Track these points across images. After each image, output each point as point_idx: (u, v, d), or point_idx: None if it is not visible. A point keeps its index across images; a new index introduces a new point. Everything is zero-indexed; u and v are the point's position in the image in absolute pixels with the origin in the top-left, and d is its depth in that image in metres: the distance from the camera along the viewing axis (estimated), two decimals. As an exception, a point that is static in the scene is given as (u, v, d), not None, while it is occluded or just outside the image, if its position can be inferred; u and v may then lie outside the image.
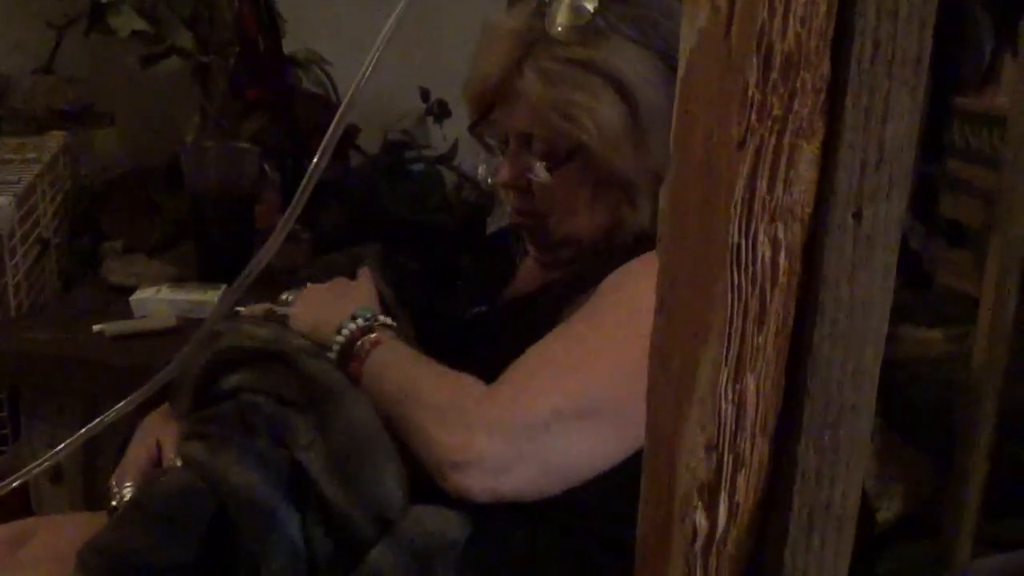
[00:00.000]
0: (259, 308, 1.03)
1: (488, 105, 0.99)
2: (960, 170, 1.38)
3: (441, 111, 1.98)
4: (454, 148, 1.95)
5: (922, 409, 1.02)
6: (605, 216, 0.97)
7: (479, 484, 0.81)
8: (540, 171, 0.96)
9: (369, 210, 1.82)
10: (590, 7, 0.91)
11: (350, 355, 0.90)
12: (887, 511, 1.00)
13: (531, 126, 0.95)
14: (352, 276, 1.04)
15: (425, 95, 1.97)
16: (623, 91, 0.92)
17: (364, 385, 0.89)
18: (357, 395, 0.88)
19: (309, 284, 1.03)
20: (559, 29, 0.92)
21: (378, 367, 0.89)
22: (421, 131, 2.04)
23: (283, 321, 0.99)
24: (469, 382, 0.86)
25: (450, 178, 1.97)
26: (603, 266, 0.93)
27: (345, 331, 0.91)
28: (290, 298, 1.02)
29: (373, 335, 0.90)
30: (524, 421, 0.81)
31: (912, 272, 1.13)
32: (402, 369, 0.88)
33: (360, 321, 0.91)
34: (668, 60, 0.92)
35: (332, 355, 0.91)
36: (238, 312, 1.02)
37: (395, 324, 0.94)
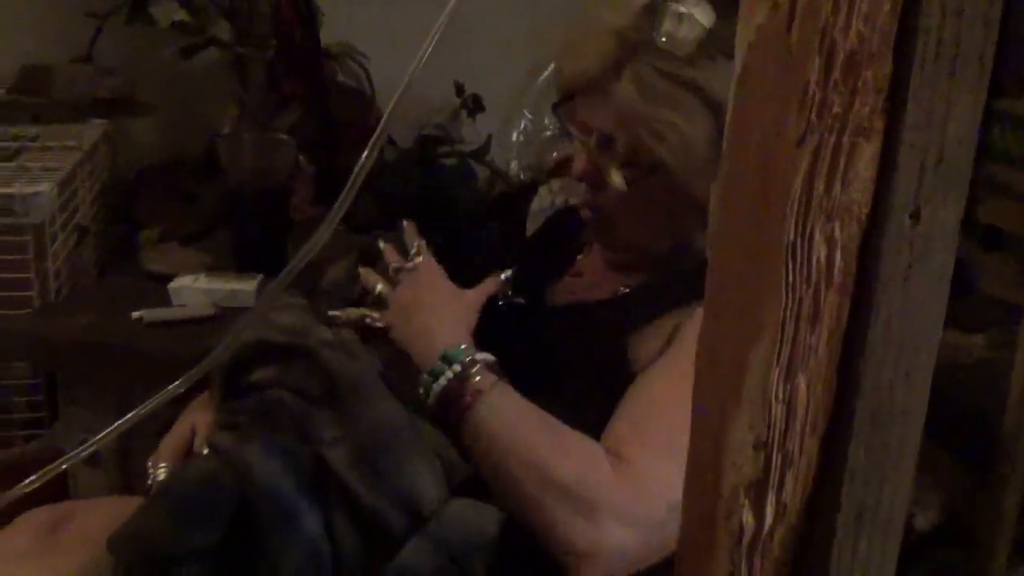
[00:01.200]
0: (354, 313, 0.96)
1: (585, 95, 0.95)
2: (1000, 174, 1.36)
3: (475, 106, 1.98)
4: (487, 143, 1.95)
5: (960, 415, 1.00)
6: (671, 235, 0.95)
7: (605, 572, 0.79)
8: (617, 178, 0.93)
9: (401, 203, 1.83)
10: (705, 22, 0.86)
11: (448, 406, 0.86)
12: (923, 518, 0.99)
13: (616, 130, 0.92)
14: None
15: (459, 90, 1.97)
16: (720, 118, 0.87)
17: (465, 436, 0.85)
18: (383, 391, 0.87)
19: (398, 288, 0.95)
20: (667, 39, 0.87)
21: (484, 423, 0.84)
22: (454, 126, 2.04)
23: (379, 334, 0.93)
24: (593, 455, 0.82)
25: (483, 173, 1.98)
26: (667, 291, 0.91)
27: (442, 380, 0.86)
28: (381, 289, 0.95)
29: (471, 384, 0.85)
30: (653, 512, 0.79)
31: (953, 278, 1.12)
32: (515, 433, 0.83)
33: (456, 368, 0.86)
34: None
35: (429, 401, 0.86)
36: (333, 316, 0.95)
37: (491, 359, 0.88)
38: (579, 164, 0.97)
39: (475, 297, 0.96)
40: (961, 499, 1.03)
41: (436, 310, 0.92)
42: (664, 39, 0.87)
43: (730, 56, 0.91)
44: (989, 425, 0.99)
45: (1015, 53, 1.27)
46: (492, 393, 0.85)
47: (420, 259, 0.97)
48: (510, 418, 0.84)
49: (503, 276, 0.99)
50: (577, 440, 0.83)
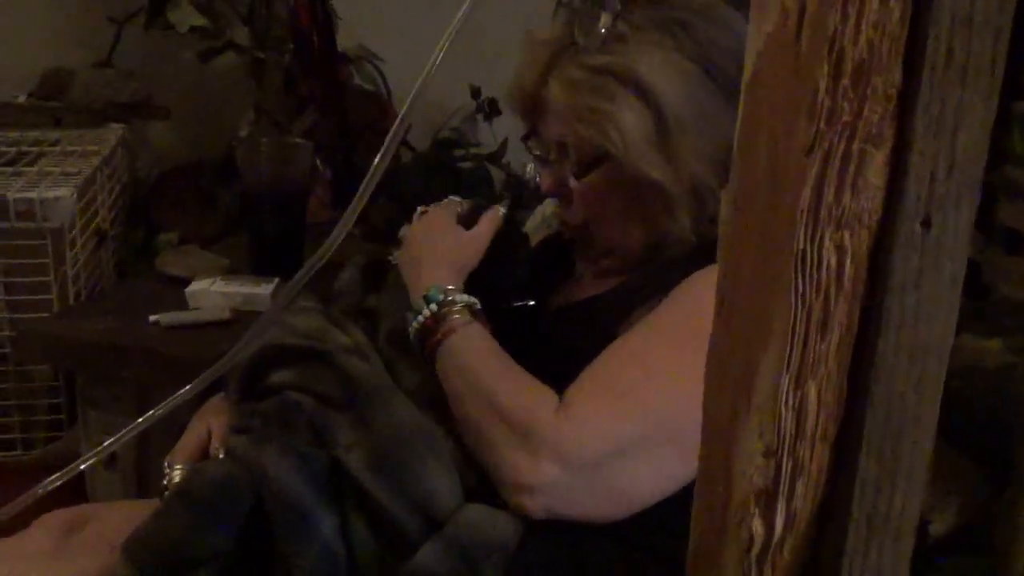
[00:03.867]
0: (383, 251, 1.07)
1: (536, 117, 0.99)
2: (1019, 177, 1.34)
3: (491, 109, 1.98)
4: (503, 146, 1.96)
5: (978, 420, 1.00)
6: (642, 225, 0.96)
7: (540, 508, 0.81)
8: (572, 180, 0.96)
9: (418, 206, 1.83)
10: (609, 12, 0.90)
11: (424, 341, 0.91)
12: (940, 524, 0.98)
13: (562, 134, 0.95)
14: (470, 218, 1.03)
15: (475, 93, 1.98)
16: (645, 96, 0.89)
17: (437, 369, 0.89)
18: (400, 395, 0.88)
19: (411, 230, 1.03)
20: (583, 36, 0.91)
21: (451, 360, 0.89)
22: (471, 129, 2.05)
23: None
24: (541, 395, 0.84)
25: (499, 176, 1.98)
26: (655, 278, 0.92)
27: (420, 318, 0.91)
28: (402, 231, 1.04)
29: (446, 324, 0.90)
30: (591, 452, 0.81)
31: (971, 282, 1.11)
32: (473, 368, 0.87)
33: (433, 307, 0.91)
34: (702, 64, 0.90)
35: (411, 337, 0.93)
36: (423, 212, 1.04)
37: (473, 302, 0.93)
38: (543, 183, 1.00)
39: (476, 236, 1.00)
40: (979, 505, 1.02)
41: (431, 252, 0.98)
42: (580, 37, 0.92)
43: (647, 38, 0.93)
44: (1008, 430, 0.98)
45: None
46: (462, 331, 0.90)
47: (436, 206, 1.03)
48: (473, 352, 0.88)
49: (501, 209, 1.03)
50: (529, 380, 0.86)
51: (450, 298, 0.92)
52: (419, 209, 1.05)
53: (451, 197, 1.06)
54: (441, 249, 0.97)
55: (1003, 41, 0.40)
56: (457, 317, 0.90)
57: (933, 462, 1.02)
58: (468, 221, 1.02)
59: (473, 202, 1.06)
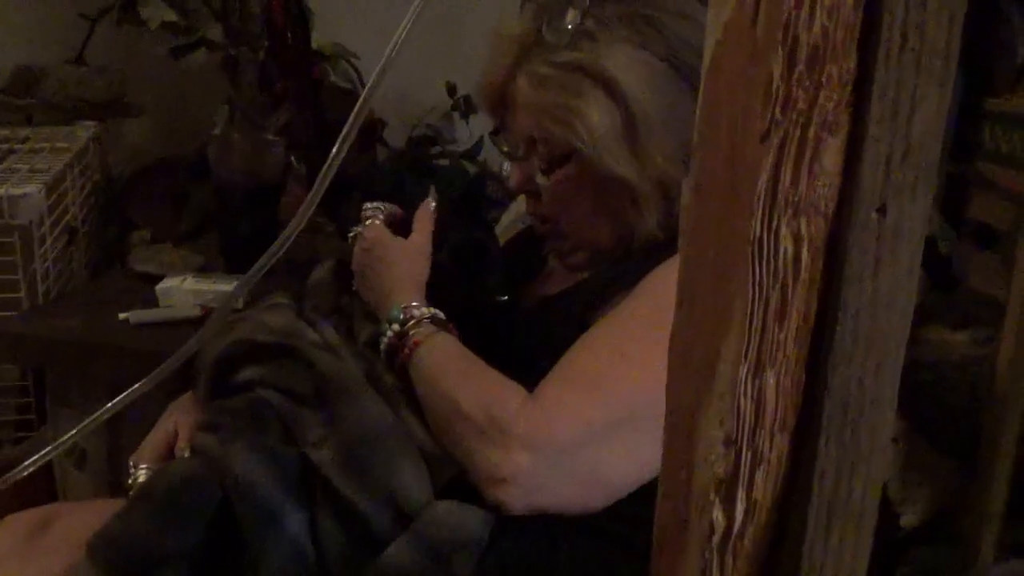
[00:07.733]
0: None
1: (504, 112, 1.00)
2: (990, 172, 1.36)
3: (467, 106, 1.98)
4: (479, 144, 1.96)
5: (947, 412, 1.00)
6: (611, 220, 0.96)
7: (518, 500, 0.81)
8: (540, 177, 0.96)
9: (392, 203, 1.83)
10: (577, 9, 0.91)
11: (393, 359, 0.92)
12: (910, 515, 0.99)
13: (531, 130, 0.95)
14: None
15: (451, 90, 1.97)
16: (614, 94, 0.90)
17: (412, 382, 0.90)
18: (370, 392, 0.88)
19: (354, 254, 1.02)
20: (551, 32, 0.92)
21: (418, 372, 0.90)
22: (447, 126, 2.04)
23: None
24: (506, 390, 0.85)
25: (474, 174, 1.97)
26: (625, 270, 0.92)
27: (384, 339, 0.92)
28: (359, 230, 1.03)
29: (411, 339, 0.91)
30: (561, 438, 0.81)
31: (941, 275, 1.12)
32: (439, 375, 0.88)
33: (396, 327, 0.92)
34: (671, 62, 0.90)
35: (382, 354, 0.93)
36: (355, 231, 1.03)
37: (435, 312, 0.93)
38: (512, 179, 1.00)
39: (419, 244, 0.99)
40: (949, 495, 1.03)
41: (382, 276, 0.98)
42: (548, 33, 0.92)
43: (616, 35, 0.89)
44: (976, 422, 0.99)
45: (1003, 53, 1.27)
46: (426, 343, 0.91)
47: (367, 223, 1.03)
48: (437, 360, 0.89)
49: (432, 203, 1.02)
50: (495, 378, 0.87)
51: (412, 314, 0.92)
52: (353, 232, 1.04)
53: (367, 205, 1.05)
54: (388, 270, 0.98)
55: (957, 25, 0.40)
56: (420, 330, 0.91)
57: (903, 454, 1.03)
58: (404, 226, 1.01)
59: (397, 206, 1.05)
